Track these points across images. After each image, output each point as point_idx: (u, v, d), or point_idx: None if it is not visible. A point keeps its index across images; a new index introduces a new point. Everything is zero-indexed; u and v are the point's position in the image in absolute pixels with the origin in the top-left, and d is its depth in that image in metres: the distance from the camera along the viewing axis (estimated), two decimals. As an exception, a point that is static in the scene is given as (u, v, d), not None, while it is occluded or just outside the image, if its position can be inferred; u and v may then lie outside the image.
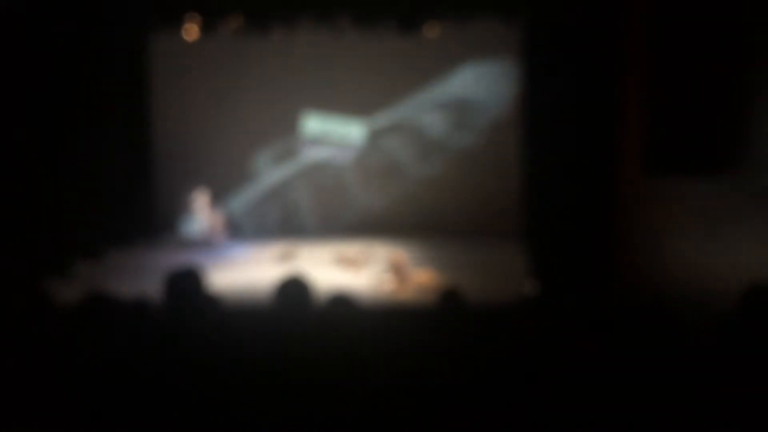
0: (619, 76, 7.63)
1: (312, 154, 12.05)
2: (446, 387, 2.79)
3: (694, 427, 2.59)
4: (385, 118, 11.98)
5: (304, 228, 11.98)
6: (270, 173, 12.17)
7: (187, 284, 3.24)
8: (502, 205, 11.06)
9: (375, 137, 11.95)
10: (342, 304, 3.32)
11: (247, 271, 9.02)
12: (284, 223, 12.08)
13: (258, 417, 2.59)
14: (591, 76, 7.76)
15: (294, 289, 3.20)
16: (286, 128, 12.04)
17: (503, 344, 3.22)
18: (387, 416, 2.63)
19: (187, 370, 2.77)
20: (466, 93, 11.80)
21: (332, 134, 11.95)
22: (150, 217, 11.81)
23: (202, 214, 11.02)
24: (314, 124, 11.95)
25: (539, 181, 8.62)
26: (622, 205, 7.62)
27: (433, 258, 9.33)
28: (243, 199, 12.13)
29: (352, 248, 9.47)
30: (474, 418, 2.66)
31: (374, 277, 8.29)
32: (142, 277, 8.19)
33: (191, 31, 10.65)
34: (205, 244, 10.61)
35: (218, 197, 11.51)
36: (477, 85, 11.76)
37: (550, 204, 8.22)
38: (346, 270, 8.97)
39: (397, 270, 8.00)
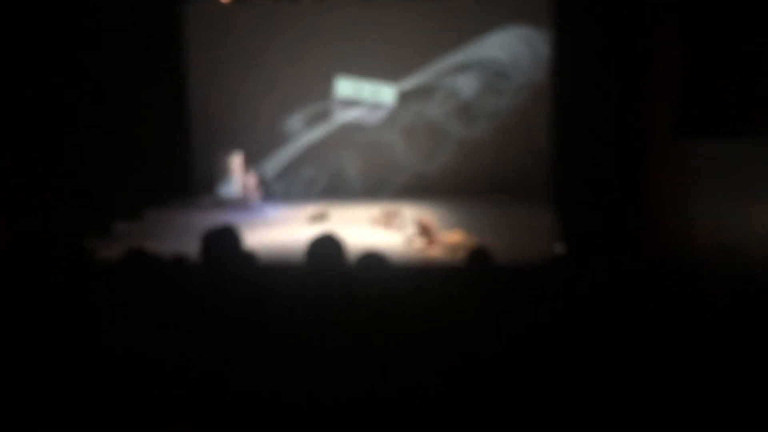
0: (649, 38, 7.46)
1: (344, 115, 12.02)
2: (475, 343, 2.80)
3: (719, 387, 2.57)
4: (415, 80, 11.87)
5: (336, 189, 12.01)
6: (303, 135, 12.18)
7: (223, 242, 3.27)
8: (532, 167, 10.98)
9: (406, 100, 11.87)
10: (373, 261, 3.33)
11: (281, 231, 9.08)
12: (317, 184, 12.12)
13: (291, 369, 2.62)
14: (621, 38, 7.59)
15: (327, 247, 3.21)
16: (318, 90, 12.00)
17: (530, 302, 3.21)
18: (416, 371, 2.64)
19: (223, 323, 2.81)
20: (498, 56, 11.64)
21: (363, 94, 11.90)
22: (187, 179, 11.93)
23: (237, 176, 11.10)
24: (346, 85, 11.90)
25: (569, 143, 8.51)
26: (651, 167, 7.51)
27: (464, 220, 9.30)
28: (277, 161, 12.17)
29: (382, 208, 9.48)
30: (499, 374, 2.66)
31: (404, 238, 8.31)
32: (180, 236, 8.29)
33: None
34: (241, 204, 10.70)
35: (253, 159, 11.57)
36: (509, 49, 11.58)
37: (579, 166, 8.11)
38: (379, 227, 9.02)
39: (425, 231, 8.01)
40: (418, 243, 8.00)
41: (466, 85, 11.77)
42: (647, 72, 7.47)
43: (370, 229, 8.96)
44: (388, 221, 9.09)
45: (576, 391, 2.59)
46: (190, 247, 3.57)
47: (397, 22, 11.56)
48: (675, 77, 6.76)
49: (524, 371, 2.66)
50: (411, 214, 9.29)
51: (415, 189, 11.76)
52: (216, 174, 11.35)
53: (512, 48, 11.57)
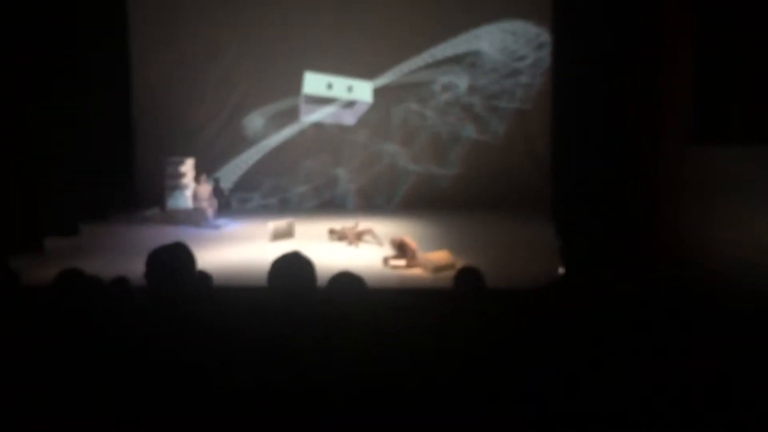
0: (661, 41, 7.56)
1: (313, 115, 11.97)
2: (462, 375, 2.80)
3: (731, 404, 2.61)
4: (395, 75, 11.86)
5: (303, 201, 11.98)
6: (264, 139, 12.12)
7: (173, 261, 3.22)
8: (530, 178, 10.91)
9: (389, 101, 11.81)
10: (348, 282, 3.32)
11: (239, 248, 9.02)
12: (280, 194, 12.06)
13: (253, 402, 2.60)
14: (630, 39, 7.65)
15: (293, 267, 3.18)
16: (283, 88, 11.93)
17: (527, 328, 3.21)
18: (393, 399, 2.64)
19: (171, 354, 2.77)
20: (492, 55, 11.61)
21: (336, 92, 11.83)
22: (130, 190, 11.83)
23: (188, 186, 11.02)
24: (315, 80, 11.82)
25: (572, 152, 8.56)
26: (664, 174, 7.60)
27: (452, 239, 9.25)
28: (234, 168, 12.10)
29: (342, 222, 9.55)
30: (486, 404, 2.67)
31: (381, 258, 8.31)
32: (122, 255, 8.20)
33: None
34: (192, 218, 10.61)
35: (206, 166, 11.47)
36: (505, 47, 11.52)
37: (585, 176, 8.15)
38: (336, 241, 9.14)
39: (403, 250, 8.02)
40: (396, 263, 8.00)
41: (458, 86, 11.74)
42: (659, 76, 7.58)
43: (342, 248, 8.96)
44: (348, 236, 9.15)
45: (574, 413, 2.60)
46: (134, 267, 3.51)
47: (376, 12, 11.56)
48: (689, 81, 6.88)
49: (516, 401, 2.66)
50: (387, 231, 9.28)
51: (409, 203, 11.72)
52: (163, 183, 11.24)
53: (511, 46, 11.49)
